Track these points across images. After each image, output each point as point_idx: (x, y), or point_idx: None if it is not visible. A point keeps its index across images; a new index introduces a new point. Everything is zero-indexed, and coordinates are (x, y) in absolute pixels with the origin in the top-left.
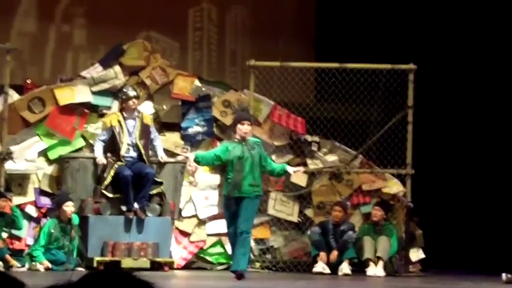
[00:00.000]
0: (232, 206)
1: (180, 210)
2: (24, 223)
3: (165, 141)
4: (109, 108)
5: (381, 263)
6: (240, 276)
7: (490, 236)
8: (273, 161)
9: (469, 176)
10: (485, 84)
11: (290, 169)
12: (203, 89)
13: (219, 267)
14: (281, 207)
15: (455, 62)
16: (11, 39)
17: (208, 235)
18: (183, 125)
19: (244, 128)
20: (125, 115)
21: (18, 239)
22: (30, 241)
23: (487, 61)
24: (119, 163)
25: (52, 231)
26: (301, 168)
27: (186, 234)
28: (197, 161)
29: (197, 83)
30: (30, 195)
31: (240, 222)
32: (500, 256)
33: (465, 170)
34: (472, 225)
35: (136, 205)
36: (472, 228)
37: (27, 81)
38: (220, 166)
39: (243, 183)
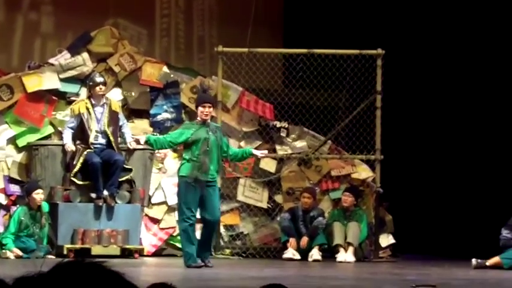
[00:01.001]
0: (196, 190)
1: (150, 197)
2: None
3: (133, 128)
4: (77, 95)
5: (351, 249)
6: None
7: (460, 221)
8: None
9: (438, 161)
10: (453, 68)
11: (256, 152)
12: (171, 75)
13: None
14: (250, 193)
15: (423, 46)
16: None
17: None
18: (152, 111)
19: (205, 111)
20: (93, 102)
21: None
22: (0, 229)
23: (455, 45)
24: (88, 150)
25: (22, 218)
26: (266, 152)
27: (155, 221)
28: (150, 143)
29: (165, 69)
30: (0, 183)
31: (213, 210)
32: (470, 241)
33: (434, 155)
34: (442, 210)
35: (105, 192)
36: (442, 213)
37: None
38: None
39: (210, 167)
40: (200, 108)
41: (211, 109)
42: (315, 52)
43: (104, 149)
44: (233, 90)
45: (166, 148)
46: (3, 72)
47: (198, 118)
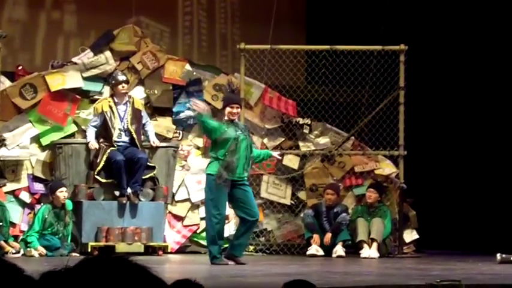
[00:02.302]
0: (223, 189)
1: (173, 195)
2: (18, 209)
3: (156, 126)
4: (100, 93)
5: (374, 245)
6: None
7: (484, 216)
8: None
9: (462, 156)
10: (476, 63)
11: (274, 153)
12: (194, 73)
13: None
14: (274, 190)
15: (446, 41)
16: (2, 26)
17: (202, 219)
18: (175, 109)
19: (233, 111)
20: (116, 100)
21: (13, 225)
22: (24, 227)
23: (478, 39)
24: (112, 148)
25: (46, 217)
26: (278, 153)
27: (179, 218)
28: (202, 120)
29: (188, 67)
30: (24, 182)
31: (250, 210)
32: (495, 236)
33: (458, 150)
34: (466, 205)
35: (129, 190)
36: (466, 208)
37: (19, 67)
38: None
39: (237, 166)
40: (228, 109)
41: (239, 109)
42: (337, 48)
43: (127, 147)
44: (256, 87)
45: (209, 132)
46: (26, 71)
47: (226, 118)
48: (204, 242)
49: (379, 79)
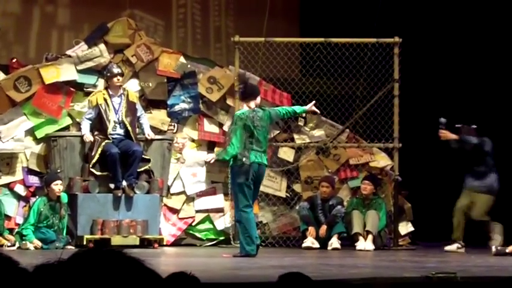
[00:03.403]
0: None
1: (169, 187)
2: (13, 202)
3: (151, 119)
4: (94, 86)
5: (370, 237)
6: None
7: None
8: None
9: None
10: (470, 55)
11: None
12: (188, 65)
13: (208, 244)
14: (269, 182)
15: (440, 33)
16: None
17: (197, 211)
18: (169, 102)
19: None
20: (111, 93)
21: (8, 218)
22: (19, 220)
23: (472, 31)
24: (106, 141)
25: (41, 209)
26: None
27: (174, 210)
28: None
29: (182, 59)
30: (19, 175)
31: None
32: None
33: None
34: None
35: (124, 183)
36: None
37: (13, 60)
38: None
39: (255, 154)
40: (252, 102)
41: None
42: (331, 41)
43: (122, 139)
44: (250, 80)
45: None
46: (21, 64)
47: (251, 107)
48: (199, 235)
49: (374, 71)
